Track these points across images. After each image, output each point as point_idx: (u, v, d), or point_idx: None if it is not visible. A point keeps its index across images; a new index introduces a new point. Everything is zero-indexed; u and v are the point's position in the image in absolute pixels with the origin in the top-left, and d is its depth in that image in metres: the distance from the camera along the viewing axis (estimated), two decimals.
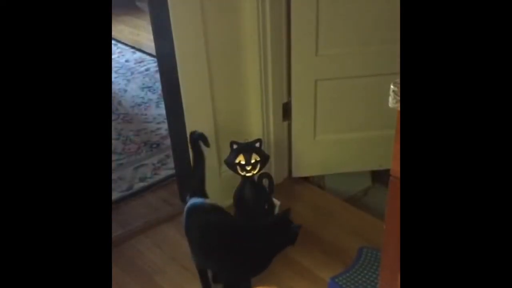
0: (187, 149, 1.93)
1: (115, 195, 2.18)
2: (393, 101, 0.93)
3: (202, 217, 1.62)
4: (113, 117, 2.87)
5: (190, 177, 1.76)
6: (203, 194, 1.68)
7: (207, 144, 1.71)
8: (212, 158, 1.98)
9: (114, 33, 3.93)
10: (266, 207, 1.86)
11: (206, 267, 1.69)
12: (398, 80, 0.90)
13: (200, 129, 1.90)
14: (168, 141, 2.39)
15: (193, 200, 1.64)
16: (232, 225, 1.64)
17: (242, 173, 1.76)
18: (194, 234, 1.62)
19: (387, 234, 1.11)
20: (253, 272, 1.64)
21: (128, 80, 3.37)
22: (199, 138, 1.70)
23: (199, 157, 1.71)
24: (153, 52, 2.62)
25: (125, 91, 3.23)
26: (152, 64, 3.52)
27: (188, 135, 1.75)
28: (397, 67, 0.85)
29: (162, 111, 2.60)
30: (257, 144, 1.76)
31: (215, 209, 1.63)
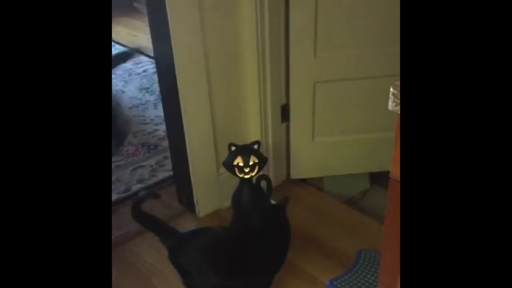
0: (185, 150, 1.93)
1: (112, 197, 2.17)
2: (392, 104, 0.93)
3: (206, 239, 1.57)
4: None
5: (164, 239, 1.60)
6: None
7: (156, 196, 1.67)
8: (210, 160, 1.98)
9: (112, 34, 3.93)
10: None
11: None
12: (398, 82, 0.89)
13: (198, 130, 1.90)
14: (166, 143, 2.39)
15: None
16: (237, 235, 1.64)
17: (241, 175, 1.76)
18: (203, 264, 1.54)
19: (386, 236, 1.11)
20: (276, 269, 1.63)
21: (126, 82, 3.37)
22: (144, 201, 1.59)
23: (153, 221, 1.60)
24: (151, 53, 2.62)
25: (123, 92, 3.23)
26: (150, 66, 3.52)
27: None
28: (396, 69, 0.84)
29: (160, 112, 2.59)
30: (256, 146, 1.76)
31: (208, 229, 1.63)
